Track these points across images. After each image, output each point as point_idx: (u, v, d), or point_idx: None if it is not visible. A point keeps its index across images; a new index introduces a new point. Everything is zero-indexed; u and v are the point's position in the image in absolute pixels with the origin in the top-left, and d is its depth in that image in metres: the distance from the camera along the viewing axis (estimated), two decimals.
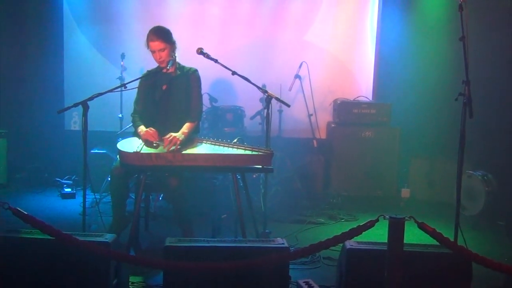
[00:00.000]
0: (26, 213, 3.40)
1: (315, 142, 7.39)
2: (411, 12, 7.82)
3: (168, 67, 5.08)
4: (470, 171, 6.62)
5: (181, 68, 5.31)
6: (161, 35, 5.09)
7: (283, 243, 3.88)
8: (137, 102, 5.32)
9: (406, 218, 3.32)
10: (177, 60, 5.27)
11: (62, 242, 3.46)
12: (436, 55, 7.52)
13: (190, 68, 5.33)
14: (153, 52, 5.11)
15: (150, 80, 5.27)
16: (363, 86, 8.06)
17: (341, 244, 3.84)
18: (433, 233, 3.36)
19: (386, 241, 3.38)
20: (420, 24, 7.75)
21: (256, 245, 3.91)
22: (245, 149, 4.77)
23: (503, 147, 6.95)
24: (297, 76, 7.45)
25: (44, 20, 7.86)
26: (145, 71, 5.44)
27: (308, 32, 8.01)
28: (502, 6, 7.08)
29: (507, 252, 5.48)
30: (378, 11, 7.97)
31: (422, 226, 3.38)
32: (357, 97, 7.74)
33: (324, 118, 7.84)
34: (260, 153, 4.71)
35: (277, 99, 5.02)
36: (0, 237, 3.38)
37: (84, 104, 4.54)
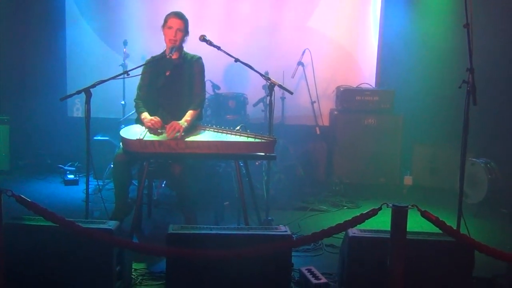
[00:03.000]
0: (29, 200, 3.41)
1: (317, 129, 7.37)
2: None
3: (171, 53, 5.09)
4: (473, 159, 6.61)
5: (185, 55, 5.32)
6: (183, 18, 5.20)
7: (285, 231, 3.89)
8: (140, 87, 5.32)
9: (409, 206, 3.32)
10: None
11: (65, 229, 3.47)
12: (440, 42, 7.47)
13: (194, 56, 5.34)
14: (169, 28, 5.14)
15: (154, 66, 5.27)
16: (366, 73, 8.02)
17: (343, 232, 3.85)
18: (436, 222, 3.36)
19: (388, 228, 3.38)
20: (424, 10, 7.69)
21: (259, 233, 3.92)
22: (248, 136, 4.77)
23: (507, 135, 6.94)
24: (300, 63, 7.43)
25: (47, 7, 7.83)
26: (147, 58, 5.44)
27: (311, 19, 7.96)
28: None
29: (509, 240, 5.48)
30: None
31: (425, 215, 3.37)
32: (360, 84, 7.71)
33: (327, 105, 7.81)
34: (263, 140, 4.71)
35: (280, 86, 5.02)
36: (3, 224, 3.38)
37: (87, 91, 4.54)
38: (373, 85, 7.89)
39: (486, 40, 6.57)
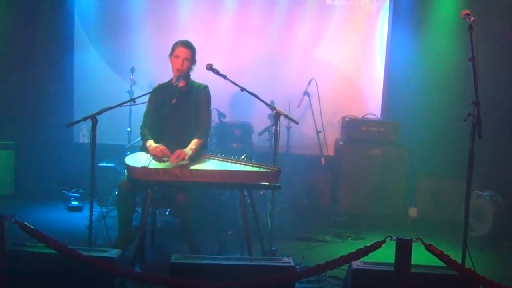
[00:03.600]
0: (32, 227, 3.41)
1: (323, 159, 7.37)
2: (421, 30, 7.81)
3: (178, 81, 5.11)
4: (478, 191, 6.59)
5: (192, 83, 5.35)
6: (191, 47, 5.25)
7: (289, 262, 3.87)
8: (146, 114, 5.35)
9: (414, 239, 3.30)
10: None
11: (68, 258, 3.46)
12: (445, 74, 7.51)
13: (201, 84, 5.37)
14: (177, 58, 5.18)
15: (160, 93, 5.30)
16: (371, 103, 8.05)
17: (347, 264, 3.82)
18: (441, 256, 3.34)
19: (393, 261, 3.36)
20: (429, 43, 7.74)
21: (262, 264, 3.90)
22: (252, 166, 4.77)
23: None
24: (306, 93, 7.45)
25: (55, 33, 7.89)
26: (154, 85, 5.47)
27: (317, 49, 8.02)
28: None
29: None
30: (388, 29, 7.98)
31: (430, 248, 3.35)
32: (366, 114, 7.72)
33: (333, 135, 7.83)
34: (267, 170, 4.71)
35: (286, 116, 5.03)
36: (6, 250, 3.37)
37: (93, 118, 4.57)
38: (379, 115, 7.90)
39: (492, 73, 6.61)
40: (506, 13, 7.16)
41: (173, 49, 5.24)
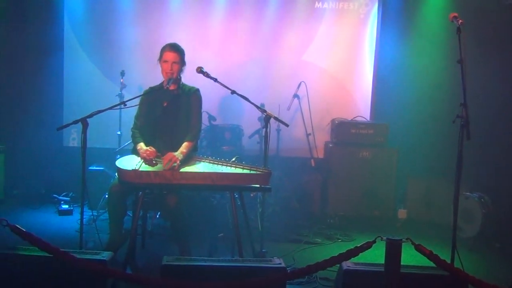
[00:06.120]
0: (24, 230, 3.41)
1: (313, 161, 7.39)
2: (410, 33, 7.87)
3: (169, 84, 5.13)
4: (467, 193, 6.63)
5: (183, 86, 5.37)
6: (178, 50, 5.26)
7: (280, 263, 3.89)
8: (137, 117, 5.36)
9: (403, 240, 3.33)
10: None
11: (60, 260, 3.46)
12: (434, 76, 7.57)
13: (192, 87, 5.39)
14: (165, 62, 5.20)
15: (151, 96, 5.31)
16: (361, 106, 8.09)
17: (338, 265, 3.84)
18: (430, 256, 3.38)
19: (383, 262, 3.38)
20: (418, 45, 7.79)
21: (254, 265, 3.92)
22: (243, 168, 4.79)
23: (500, 169, 6.98)
24: (296, 96, 7.47)
25: (45, 36, 7.87)
26: (145, 89, 5.47)
27: (306, 52, 8.06)
28: (501, 29, 7.16)
29: (503, 275, 5.48)
30: (377, 31, 8.02)
31: (419, 248, 3.39)
32: (355, 117, 7.76)
33: (322, 137, 7.86)
34: (258, 172, 4.73)
35: (276, 118, 5.04)
36: None
37: (84, 121, 4.56)
38: (368, 118, 7.95)
39: (480, 75, 6.66)
40: (493, 15, 7.23)
41: (161, 54, 5.27)
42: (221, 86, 5.05)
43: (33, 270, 3.66)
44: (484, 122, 6.82)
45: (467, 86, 4.48)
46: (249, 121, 7.47)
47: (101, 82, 7.94)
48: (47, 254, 3.47)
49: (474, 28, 6.47)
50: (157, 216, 6.37)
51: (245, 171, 4.75)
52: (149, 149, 4.97)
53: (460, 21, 4.49)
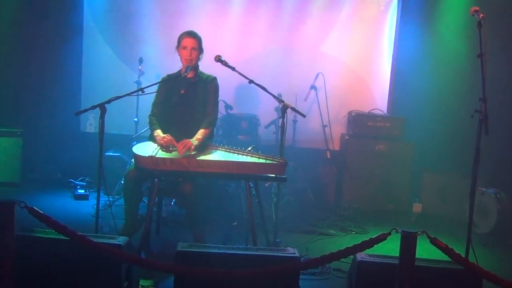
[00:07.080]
0: (42, 212, 3.43)
1: (328, 153, 7.39)
2: (429, 26, 7.80)
3: (187, 72, 5.14)
4: (483, 188, 6.60)
5: (200, 74, 5.39)
6: (196, 36, 5.29)
7: (294, 253, 3.89)
8: (155, 104, 5.38)
9: (419, 232, 3.32)
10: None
11: (77, 243, 3.49)
12: (453, 70, 7.51)
13: (209, 76, 5.40)
14: (184, 48, 5.22)
15: (169, 84, 5.33)
16: (378, 99, 8.06)
17: (351, 256, 3.84)
18: (445, 249, 3.36)
19: (397, 255, 3.38)
20: (437, 39, 7.73)
21: (268, 254, 3.91)
22: (259, 158, 4.79)
23: None
24: (313, 87, 7.46)
25: (64, 22, 7.91)
26: (162, 76, 5.50)
27: (325, 43, 8.03)
28: None
29: None
30: (396, 24, 7.97)
31: (434, 242, 3.37)
32: (372, 109, 7.74)
33: (338, 129, 7.84)
34: (274, 162, 4.73)
35: (293, 109, 5.03)
36: (15, 235, 3.40)
37: (102, 107, 4.58)
38: (385, 111, 7.92)
39: (500, 70, 6.60)
40: None
41: (179, 40, 5.28)
42: (239, 76, 5.05)
43: (49, 253, 3.69)
44: (502, 117, 6.77)
45: (487, 81, 4.45)
46: (266, 111, 7.47)
47: (119, 69, 7.98)
48: (63, 237, 3.50)
49: (496, 22, 6.40)
50: (172, 203, 6.40)
51: (261, 160, 4.75)
52: (166, 137, 4.99)
53: (481, 15, 4.44)
